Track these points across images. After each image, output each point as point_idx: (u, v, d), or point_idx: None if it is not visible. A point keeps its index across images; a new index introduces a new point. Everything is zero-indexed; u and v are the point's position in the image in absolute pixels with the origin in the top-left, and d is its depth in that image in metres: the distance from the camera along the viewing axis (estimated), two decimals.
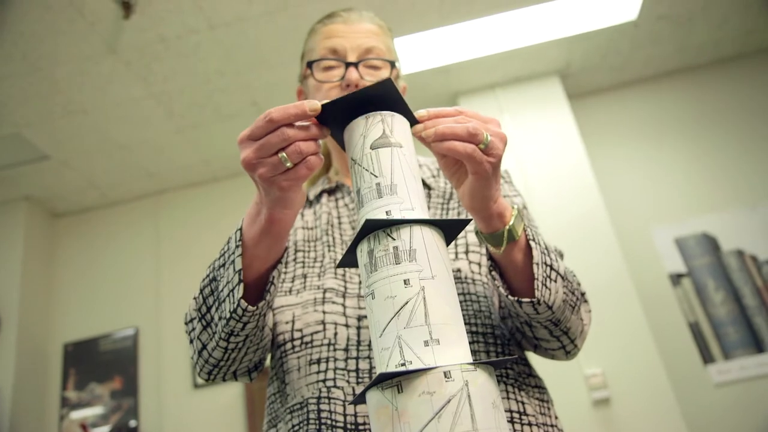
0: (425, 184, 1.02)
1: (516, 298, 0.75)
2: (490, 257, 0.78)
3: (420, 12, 2.77)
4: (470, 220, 0.65)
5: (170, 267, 3.53)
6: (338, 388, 0.81)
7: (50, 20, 2.41)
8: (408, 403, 0.51)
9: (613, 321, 2.76)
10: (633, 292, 2.84)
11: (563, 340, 0.85)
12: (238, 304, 0.73)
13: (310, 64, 1.01)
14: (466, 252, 0.92)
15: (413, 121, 0.66)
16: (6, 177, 3.28)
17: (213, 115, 3.16)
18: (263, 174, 0.65)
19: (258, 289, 0.78)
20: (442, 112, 0.67)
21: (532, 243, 0.75)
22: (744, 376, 2.90)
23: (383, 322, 0.55)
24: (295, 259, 0.96)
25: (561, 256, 0.92)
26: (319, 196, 1.06)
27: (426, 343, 0.53)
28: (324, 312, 0.87)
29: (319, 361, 0.84)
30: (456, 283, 0.87)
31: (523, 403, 0.83)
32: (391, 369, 0.53)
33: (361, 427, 0.77)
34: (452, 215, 0.97)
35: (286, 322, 0.89)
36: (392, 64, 1.01)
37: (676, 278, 3.13)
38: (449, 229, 0.63)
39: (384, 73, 0.99)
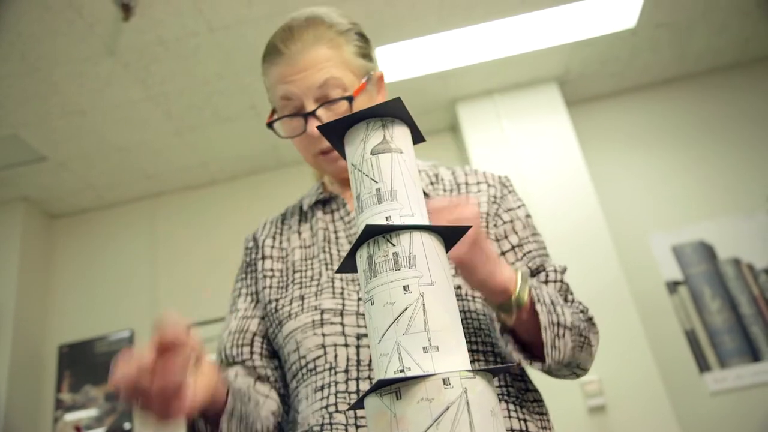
0: (423, 193, 1.02)
1: (529, 362, 0.80)
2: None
3: (418, 17, 2.77)
4: (470, 226, 0.64)
5: (166, 269, 3.51)
6: (340, 412, 0.82)
7: (49, 21, 2.40)
8: (406, 409, 0.51)
9: (609, 328, 2.74)
10: (630, 299, 2.84)
11: (576, 371, 0.91)
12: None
13: (272, 118, 1.00)
14: None
15: (419, 139, 0.66)
16: (3, 178, 3.27)
17: (211, 117, 3.16)
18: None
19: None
20: None
21: (537, 306, 0.76)
22: (740, 385, 2.90)
23: (382, 328, 0.55)
24: (293, 281, 0.97)
25: (567, 291, 0.92)
26: (313, 207, 1.06)
27: (425, 350, 0.53)
28: (323, 335, 0.87)
29: (322, 388, 0.85)
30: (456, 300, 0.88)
31: (525, 421, 0.84)
32: (390, 375, 0.53)
33: None
34: None
35: (294, 351, 0.90)
36: (349, 100, 0.92)
37: (672, 286, 3.13)
38: (449, 236, 0.63)
39: (344, 103, 0.93)
